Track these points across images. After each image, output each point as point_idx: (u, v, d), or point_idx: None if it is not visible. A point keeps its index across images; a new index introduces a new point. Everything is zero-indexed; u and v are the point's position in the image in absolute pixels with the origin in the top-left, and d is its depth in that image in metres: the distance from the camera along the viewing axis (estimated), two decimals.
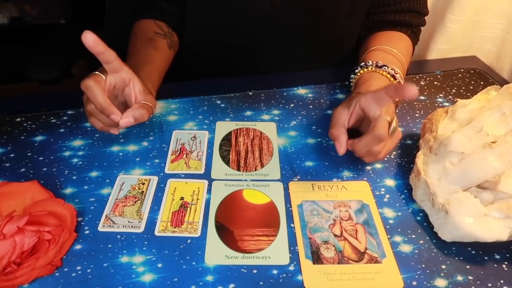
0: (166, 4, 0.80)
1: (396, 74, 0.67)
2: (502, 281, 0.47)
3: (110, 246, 0.51)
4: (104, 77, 0.57)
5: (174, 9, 0.80)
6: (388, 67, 0.67)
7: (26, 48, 0.98)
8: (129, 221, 0.53)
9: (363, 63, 0.69)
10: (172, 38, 0.80)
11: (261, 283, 0.47)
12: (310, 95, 0.75)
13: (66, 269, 0.48)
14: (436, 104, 0.73)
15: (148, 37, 0.77)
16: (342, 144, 0.57)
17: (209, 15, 0.79)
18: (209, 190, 0.58)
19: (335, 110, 0.61)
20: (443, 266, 0.49)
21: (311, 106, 0.73)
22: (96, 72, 0.57)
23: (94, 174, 0.60)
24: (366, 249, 0.51)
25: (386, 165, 0.62)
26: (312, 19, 0.78)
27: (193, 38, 0.84)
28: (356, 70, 0.70)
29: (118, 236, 0.52)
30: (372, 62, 0.68)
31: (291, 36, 0.80)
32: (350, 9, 0.78)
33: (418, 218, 0.55)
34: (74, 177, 0.59)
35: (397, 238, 0.52)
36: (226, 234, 0.52)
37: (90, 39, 0.53)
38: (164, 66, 0.76)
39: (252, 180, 0.59)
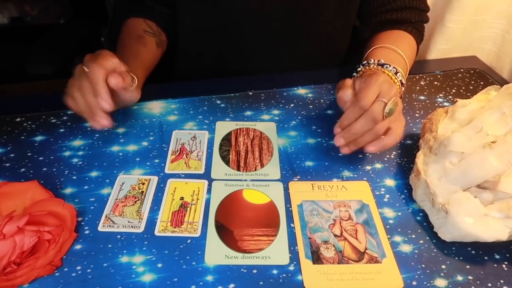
0: (155, 4, 0.81)
1: (397, 73, 0.67)
2: (502, 281, 0.47)
3: (110, 246, 0.51)
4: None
5: (163, 9, 0.82)
6: (390, 66, 0.67)
7: (26, 48, 0.98)
8: (129, 221, 0.53)
9: (365, 62, 0.69)
10: (161, 37, 0.81)
11: (261, 283, 0.47)
12: (310, 95, 0.75)
13: (66, 269, 0.48)
14: (436, 104, 0.73)
15: (137, 34, 0.78)
16: (345, 92, 0.57)
17: (199, 15, 0.80)
18: (209, 190, 0.58)
19: (343, 80, 0.60)
20: (443, 266, 0.49)
21: (311, 106, 0.73)
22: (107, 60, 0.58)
23: (94, 174, 0.60)
24: (366, 249, 0.51)
25: (386, 165, 0.62)
26: (300, 16, 0.79)
27: (186, 40, 0.84)
28: (359, 69, 0.70)
29: (118, 236, 0.52)
30: (374, 61, 0.68)
31: (282, 35, 0.81)
32: (337, 7, 0.79)
33: (418, 218, 0.55)
34: (74, 177, 0.59)
35: (397, 238, 0.52)
36: (226, 234, 0.52)
37: (114, 81, 0.56)
38: (150, 63, 0.77)
39: (252, 180, 0.59)
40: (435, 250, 0.51)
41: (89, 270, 0.48)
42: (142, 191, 0.57)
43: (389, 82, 0.58)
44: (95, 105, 0.56)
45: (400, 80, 0.67)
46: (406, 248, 0.51)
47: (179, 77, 0.91)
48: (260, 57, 0.83)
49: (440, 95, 0.76)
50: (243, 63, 0.84)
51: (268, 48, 0.82)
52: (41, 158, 0.62)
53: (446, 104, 0.74)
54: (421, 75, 0.81)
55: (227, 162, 0.62)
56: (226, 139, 0.66)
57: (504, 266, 0.49)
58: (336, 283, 0.47)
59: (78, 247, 0.50)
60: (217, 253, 0.50)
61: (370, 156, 0.63)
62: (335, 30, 0.83)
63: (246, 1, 0.76)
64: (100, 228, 0.53)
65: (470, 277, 0.48)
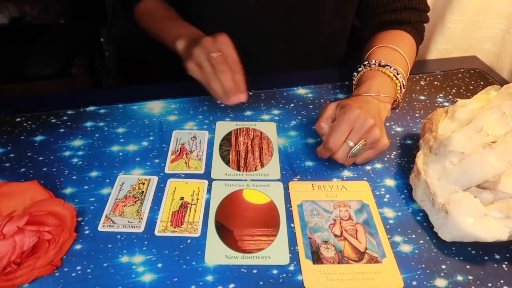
0: None
1: (398, 74, 0.67)
2: (502, 281, 0.47)
3: (110, 246, 0.51)
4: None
5: None
6: (391, 67, 0.67)
7: (26, 48, 0.98)
8: (129, 221, 0.53)
9: (366, 62, 0.69)
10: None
11: (261, 283, 0.47)
12: (310, 95, 0.75)
13: (66, 269, 0.48)
14: (436, 104, 0.73)
15: (165, 7, 0.80)
16: (321, 126, 0.61)
17: (197, 15, 0.80)
18: (209, 190, 0.58)
19: (327, 104, 0.62)
20: (443, 266, 0.49)
21: (311, 106, 0.73)
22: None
23: (94, 174, 0.60)
24: (366, 249, 0.51)
25: (386, 165, 0.62)
26: (298, 17, 0.79)
27: None
28: (360, 69, 0.70)
29: (118, 236, 0.52)
30: (375, 61, 0.68)
31: (279, 36, 0.81)
32: (335, 7, 0.79)
33: (418, 218, 0.55)
34: (74, 177, 0.59)
35: (397, 238, 0.52)
36: (226, 234, 0.52)
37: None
38: None
39: (252, 180, 0.59)
40: (435, 250, 0.51)
41: (89, 270, 0.48)
42: (142, 191, 0.57)
43: (365, 114, 0.57)
44: (232, 87, 0.61)
45: (402, 82, 0.67)
46: (406, 248, 0.51)
47: (179, 77, 0.91)
48: (257, 58, 0.83)
49: (440, 95, 0.76)
50: (241, 62, 0.83)
51: (265, 49, 0.82)
52: (41, 158, 0.62)
53: (446, 104, 0.74)
54: (421, 75, 0.81)
55: (227, 162, 0.62)
56: (226, 139, 0.66)
57: (504, 266, 0.49)
58: (336, 283, 0.47)
59: (78, 247, 0.50)
60: (217, 253, 0.50)
61: None
62: (332, 31, 0.83)
63: (243, 2, 0.76)
64: (100, 228, 0.53)
65: (470, 277, 0.48)
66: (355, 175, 0.60)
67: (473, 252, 0.50)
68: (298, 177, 0.60)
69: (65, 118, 0.69)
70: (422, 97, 0.75)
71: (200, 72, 0.62)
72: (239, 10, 0.77)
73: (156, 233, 0.52)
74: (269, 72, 0.82)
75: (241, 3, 0.76)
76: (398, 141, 0.66)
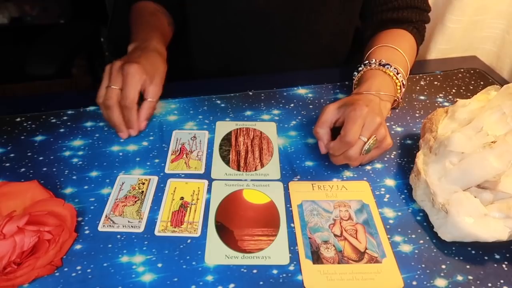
0: None
1: (398, 73, 0.67)
2: (502, 281, 0.47)
3: (110, 246, 0.51)
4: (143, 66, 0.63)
5: None
6: (391, 66, 0.67)
7: (26, 48, 0.98)
8: (129, 221, 0.53)
9: (366, 61, 0.70)
10: (170, 19, 0.82)
11: (261, 283, 0.47)
12: (310, 95, 0.75)
13: (66, 269, 0.48)
14: (436, 104, 0.74)
15: (150, 11, 0.79)
16: (324, 144, 0.59)
17: (204, 14, 0.80)
18: (209, 190, 0.58)
19: (325, 107, 0.61)
20: (443, 266, 0.49)
21: (311, 106, 0.73)
22: (138, 64, 0.62)
23: (94, 174, 0.60)
24: (366, 249, 0.51)
25: (386, 165, 0.62)
26: (304, 17, 0.79)
27: (189, 38, 0.84)
28: (360, 68, 0.70)
29: (118, 236, 0.52)
30: (376, 61, 0.68)
31: (284, 35, 0.81)
32: (340, 7, 0.79)
33: (418, 218, 0.55)
34: (74, 177, 0.59)
35: (397, 238, 0.52)
36: (226, 234, 0.52)
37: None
38: (167, 38, 0.78)
39: (252, 180, 0.59)
40: (435, 250, 0.51)
41: (89, 270, 0.48)
42: (142, 191, 0.57)
43: (372, 112, 0.57)
44: (117, 123, 0.63)
45: (402, 81, 0.67)
46: (406, 248, 0.51)
47: (179, 77, 0.91)
48: (264, 55, 0.83)
49: (440, 95, 0.76)
50: (247, 61, 0.84)
51: (270, 48, 0.82)
52: (41, 158, 0.62)
53: (446, 104, 0.74)
54: (421, 75, 0.81)
55: (227, 162, 0.62)
56: (226, 139, 0.66)
57: (504, 266, 0.49)
58: (336, 283, 0.47)
59: (78, 247, 0.50)
60: (217, 253, 0.50)
61: None
62: (338, 30, 0.83)
63: (250, 1, 0.76)
64: (100, 228, 0.53)
65: (470, 277, 0.48)
66: (355, 175, 0.60)
67: (473, 252, 0.50)
68: (298, 177, 0.60)
69: (65, 118, 0.69)
70: (422, 97, 0.75)
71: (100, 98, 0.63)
72: (246, 10, 0.77)
73: (156, 233, 0.52)
74: (273, 71, 0.82)
75: (248, 3, 0.76)
76: (398, 141, 0.66)
